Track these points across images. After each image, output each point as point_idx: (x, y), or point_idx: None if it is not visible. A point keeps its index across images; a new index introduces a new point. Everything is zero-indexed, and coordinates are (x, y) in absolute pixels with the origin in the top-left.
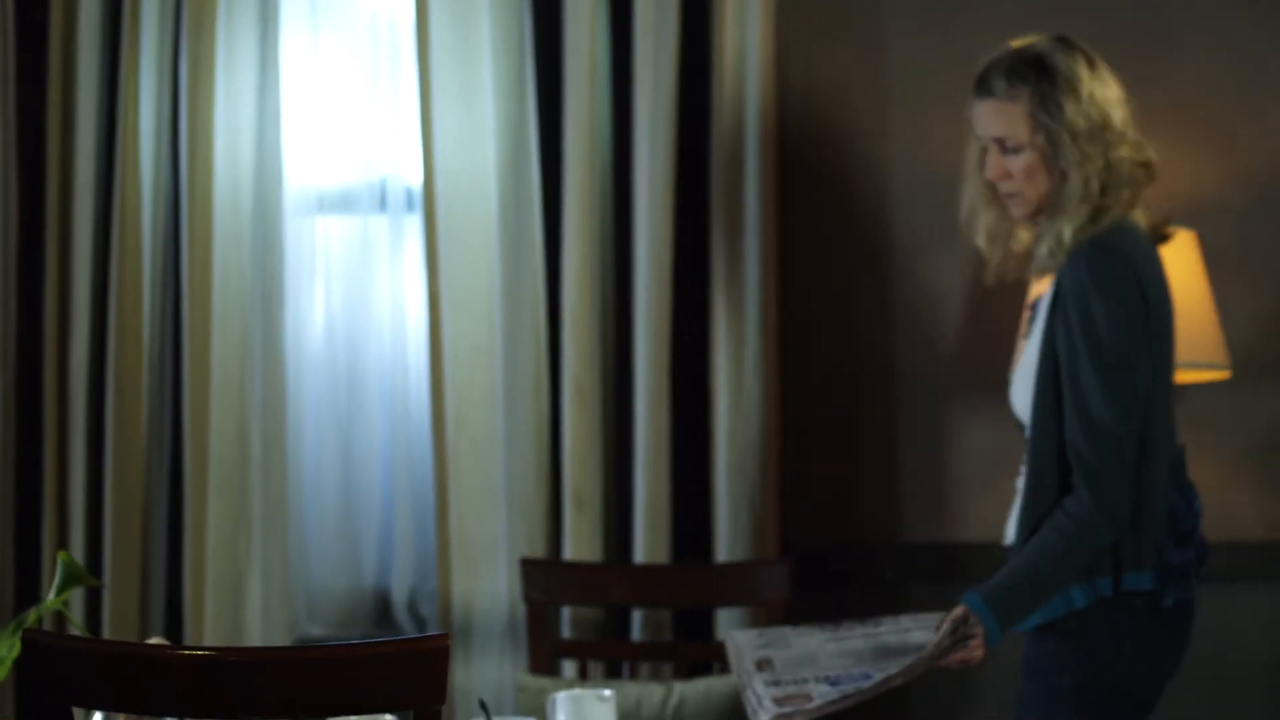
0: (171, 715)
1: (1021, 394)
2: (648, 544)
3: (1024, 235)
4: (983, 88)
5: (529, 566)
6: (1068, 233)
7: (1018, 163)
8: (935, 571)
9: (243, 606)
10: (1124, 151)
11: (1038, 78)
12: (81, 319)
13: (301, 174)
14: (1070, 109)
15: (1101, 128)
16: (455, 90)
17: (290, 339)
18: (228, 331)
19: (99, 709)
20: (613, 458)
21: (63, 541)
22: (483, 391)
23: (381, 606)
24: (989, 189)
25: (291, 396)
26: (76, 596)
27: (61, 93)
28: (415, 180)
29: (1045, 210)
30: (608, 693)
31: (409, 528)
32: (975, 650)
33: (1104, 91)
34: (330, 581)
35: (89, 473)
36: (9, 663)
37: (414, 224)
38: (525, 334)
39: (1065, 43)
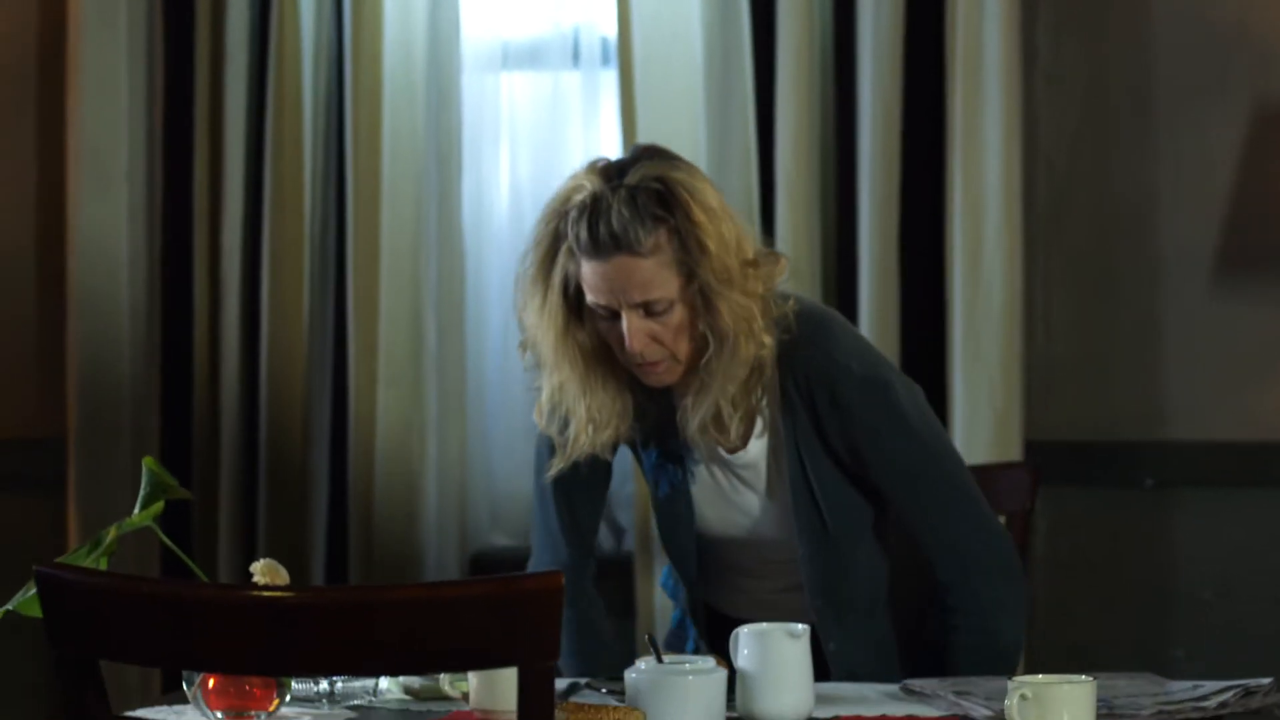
0: (217, 669)
1: (778, 522)
2: None
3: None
4: (605, 242)
5: None
6: (726, 389)
7: (668, 322)
8: (1204, 474)
9: (416, 516)
10: (763, 268)
11: (670, 213)
12: (235, 192)
13: (482, 24)
14: (713, 246)
15: (738, 247)
16: None
17: (470, 211)
18: (398, 203)
19: (128, 661)
20: None
21: (213, 443)
22: None
23: None
24: (592, 354)
25: (471, 277)
26: (227, 505)
27: None
28: (610, 30)
29: (702, 369)
30: (800, 628)
31: None
32: None
33: (720, 198)
34: (515, 486)
35: (243, 362)
36: None
37: (609, 79)
38: (734, 203)
39: (663, 153)
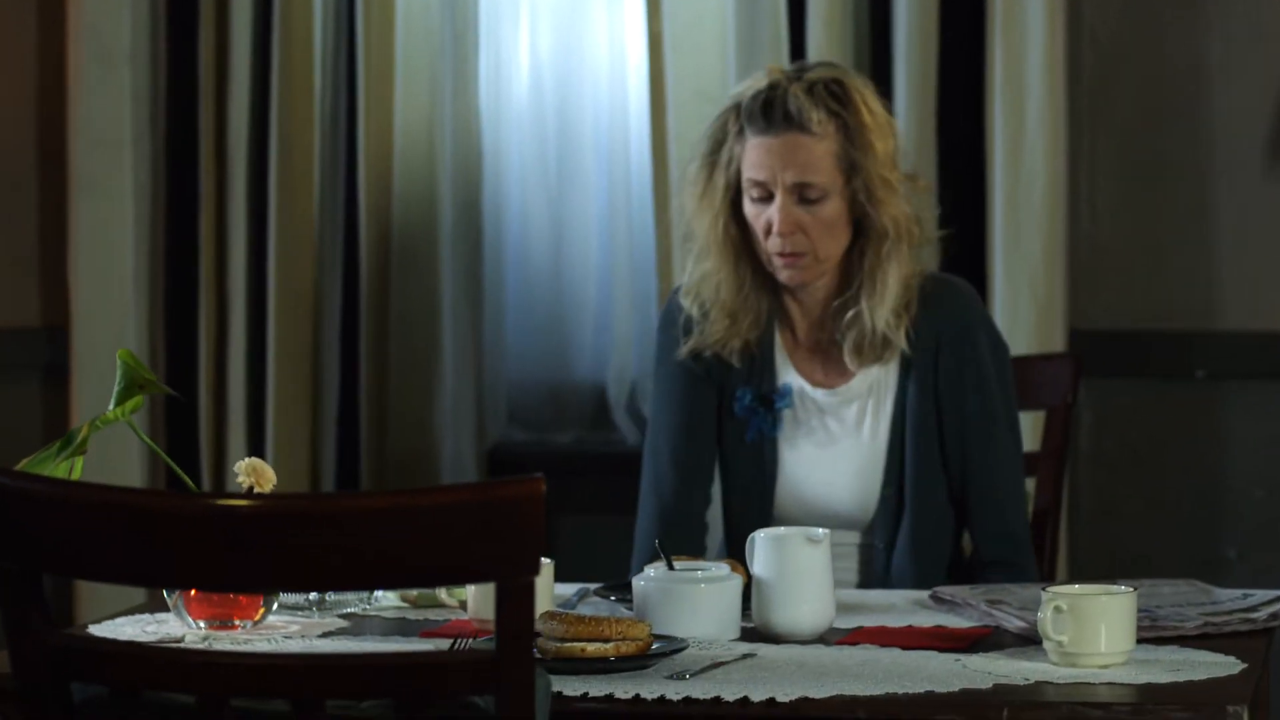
0: (171, 585)
1: (857, 486)
2: None
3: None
4: (777, 118)
5: None
6: (893, 298)
7: (819, 214)
8: (1258, 366)
9: (430, 406)
10: (921, 187)
11: (843, 108)
12: (241, 73)
13: None
14: (880, 147)
15: (899, 162)
16: None
17: (487, 90)
18: (412, 81)
19: (74, 576)
20: None
21: (221, 334)
22: None
23: (596, 405)
24: (742, 248)
25: (489, 158)
26: (235, 399)
27: None
28: None
29: (855, 279)
30: (821, 533)
31: (628, 311)
32: None
33: (892, 119)
34: (535, 376)
35: (251, 249)
36: None
37: None
38: None
39: (841, 66)
